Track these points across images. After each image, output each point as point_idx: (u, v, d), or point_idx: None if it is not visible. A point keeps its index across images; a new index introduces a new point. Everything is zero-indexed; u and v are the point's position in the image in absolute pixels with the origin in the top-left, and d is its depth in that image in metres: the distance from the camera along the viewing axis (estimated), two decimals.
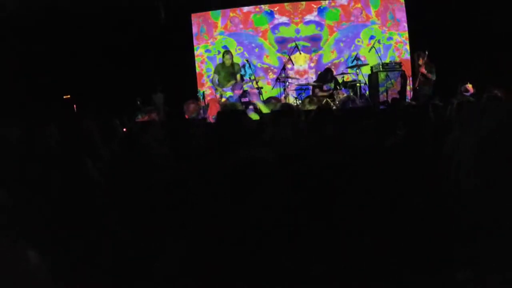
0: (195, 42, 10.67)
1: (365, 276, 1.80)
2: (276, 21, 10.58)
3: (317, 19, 10.54)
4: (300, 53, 9.67)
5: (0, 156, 2.63)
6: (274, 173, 1.71)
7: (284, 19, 10.56)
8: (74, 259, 1.94)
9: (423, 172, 2.28)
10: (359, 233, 1.92)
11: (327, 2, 10.56)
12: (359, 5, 10.55)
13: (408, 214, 2.03)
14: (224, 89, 8.34)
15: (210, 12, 10.66)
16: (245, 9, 10.62)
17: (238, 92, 8.18)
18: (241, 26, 10.63)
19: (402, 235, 1.97)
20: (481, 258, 1.90)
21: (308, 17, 10.55)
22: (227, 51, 8.64)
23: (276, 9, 10.58)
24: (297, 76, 10.07)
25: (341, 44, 10.55)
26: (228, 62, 8.41)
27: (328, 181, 2.08)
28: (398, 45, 10.50)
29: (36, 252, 1.40)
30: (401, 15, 10.48)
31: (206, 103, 8.99)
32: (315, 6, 10.57)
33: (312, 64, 10.46)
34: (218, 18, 10.66)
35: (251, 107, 7.95)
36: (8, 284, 1.32)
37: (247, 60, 9.30)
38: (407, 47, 10.41)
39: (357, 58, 9.74)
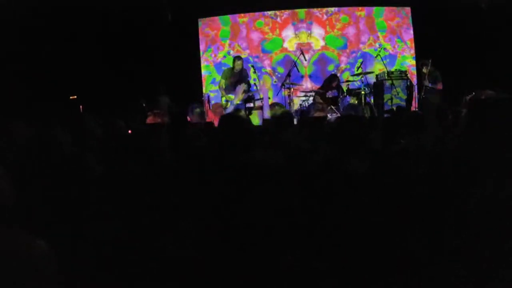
0: (201, 48, 10.71)
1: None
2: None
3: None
4: (306, 59, 9.70)
5: (9, 155, 2.65)
6: (280, 174, 1.73)
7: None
8: (80, 259, 1.95)
9: (428, 179, 2.28)
10: (354, 236, 1.93)
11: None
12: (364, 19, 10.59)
13: (415, 221, 2.03)
14: (230, 94, 8.35)
15: (220, 22, 10.70)
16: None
17: (243, 96, 8.21)
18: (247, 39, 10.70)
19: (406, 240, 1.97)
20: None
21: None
22: (239, 57, 8.64)
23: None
24: (302, 83, 10.08)
25: (347, 51, 10.60)
26: (238, 68, 8.42)
27: (340, 187, 2.10)
28: (404, 60, 10.53)
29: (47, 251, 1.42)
30: (407, 30, 10.50)
31: (210, 107, 9.02)
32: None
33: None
34: (226, 30, 10.72)
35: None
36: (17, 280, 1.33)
37: (252, 66, 9.33)
38: (413, 61, 10.43)
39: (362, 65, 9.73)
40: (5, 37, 8.13)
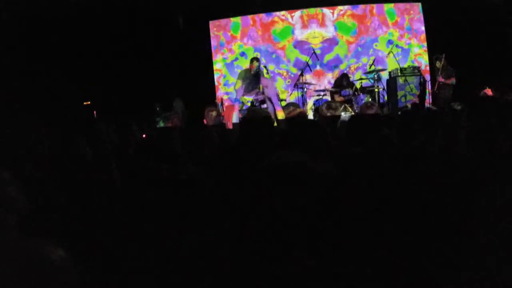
0: (213, 51, 10.74)
1: None
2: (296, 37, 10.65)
3: (333, 34, 10.57)
4: (318, 59, 9.67)
5: (31, 164, 2.68)
6: (310, 176, 1.72)
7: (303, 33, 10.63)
8: (102, 265, 1.97)
9: (445, 177, 2.26)
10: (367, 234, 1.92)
11: (344, 17, 10.54)
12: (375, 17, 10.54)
13: (434, 219, 2.02)
14: (246, 96, 8.30)
15: (231, 24, 10.74)
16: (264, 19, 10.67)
17: (259, 97, 8.17)
18: (259, 39, 10.71)
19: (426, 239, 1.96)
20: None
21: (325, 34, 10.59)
22: (257, 59, 8.53)
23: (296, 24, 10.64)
24: (314, 82, 10.05)
25: (359, 49, 10.53)
26: (255, 70, 8.31)
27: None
28: (417, 56, 10.45)
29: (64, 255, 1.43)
30: (418, 25, 10.43)
31: (224, 109, 9.02)
32: (331, 20, 10.58)
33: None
34: (237, 32, 10.74)
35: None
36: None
37: (264, 67, 9.32)
38: (426, 57, 10.35)
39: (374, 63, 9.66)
40: (18, 43, 8.23)
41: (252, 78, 8.33)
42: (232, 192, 2.19)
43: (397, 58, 9.18)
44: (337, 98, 8.88)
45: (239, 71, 9.00)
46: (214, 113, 8.02)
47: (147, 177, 2.46)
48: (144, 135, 5.01)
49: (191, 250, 1.97)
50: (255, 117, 2.64)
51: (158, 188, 2.37)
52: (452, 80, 8.52)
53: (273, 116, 7.81)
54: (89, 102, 9.50)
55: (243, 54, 10.62)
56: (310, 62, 9.26)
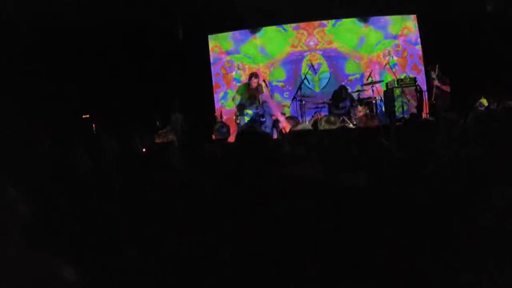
0: (212, 64, 10.80)
1: None
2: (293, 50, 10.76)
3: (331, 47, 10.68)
4: (316, 73, 9.72)
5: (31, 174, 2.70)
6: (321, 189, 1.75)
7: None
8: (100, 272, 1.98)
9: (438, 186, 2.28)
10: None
11: (341, 29, 10.67)
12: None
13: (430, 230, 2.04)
14: (246, 110, 8.31)
15: (229, 38, 10.83)
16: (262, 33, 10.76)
17: (259, 111, 8.21)
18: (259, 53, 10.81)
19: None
20: None
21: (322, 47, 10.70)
22: (256, 75, 8.61)
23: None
24: (313, 95, 10.10)
25: (356, 61, 10.63)
26: (254, 85, 8.41)
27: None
28: (413, 67, 10.54)
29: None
30: (414, 37, 10.54)
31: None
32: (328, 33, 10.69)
33: None
34: (236, 45, 10.84)
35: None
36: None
37: (264, 81, 9.37)
38: (421, 67, 10.43)
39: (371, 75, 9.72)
40: (17, 54, 8.25)
41: (251, 94, 8.38)
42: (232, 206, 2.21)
43: (393, 70, 9.27)
44: (335, 110, 8.91)
45: (238, 84, 9.05)
46: (224, 130, 8.01)
47: (146, 184, 2.48)
48: (144, 149, 5.02)
49: (189, 258, 1.99)
50: (248, 134, 2.66)
51: (157, 194, 2.39)
52: (447, 87, 8.61)
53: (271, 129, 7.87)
54: (88, 116, 9.51)
55: (241, 67, 10.68)
56: (308, 74, 9.32)
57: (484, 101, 8.02)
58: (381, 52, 10.57)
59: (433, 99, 8.69)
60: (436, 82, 8.57)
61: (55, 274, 1.47)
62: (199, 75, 10.37)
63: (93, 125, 9.33)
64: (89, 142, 3.51)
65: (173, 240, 2.15)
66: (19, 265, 1.70)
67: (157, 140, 7.76)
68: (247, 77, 8.71)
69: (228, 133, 7.73)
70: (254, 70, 9.66)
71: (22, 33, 8.29)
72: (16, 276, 1.63)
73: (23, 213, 1.99)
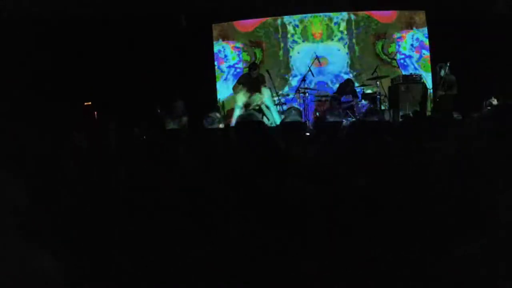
0: (215, 53, 10.74)
1: None
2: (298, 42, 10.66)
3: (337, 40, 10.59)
4: (320, 64, 9.60)
5: (27, 164, 2.67)
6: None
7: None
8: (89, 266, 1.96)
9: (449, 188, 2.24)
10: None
11: (347, 23, 10.56)
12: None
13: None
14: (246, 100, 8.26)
15: (234, 28, 10.73)
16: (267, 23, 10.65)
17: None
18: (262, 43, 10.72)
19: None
20: None
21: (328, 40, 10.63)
22: (254, 65, 8.57)
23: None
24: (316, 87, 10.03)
25: (362, 55, 10.55)
26: (254, 75, 8.39)
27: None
28: (420, 64, 10.44)
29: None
30: (422, 33, 10.45)
31: (226, 113, 9.02)
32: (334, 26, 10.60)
33: None
34: (240, 35, 10.75)
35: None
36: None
37: (267, 71, 9.29)
38: (428, 65, 10.34)
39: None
40: (19, 44, 8.22)
41: (252, 84, 8.32)
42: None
43: (398, 67, 9.22)
44: (337, 104, 8.86)
45: (241, 75, 8.99)
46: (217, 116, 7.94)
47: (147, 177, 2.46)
48: (144, 137, 5.01)
49: (189, 252, 1.96)
50: (248, 122, 2.63)
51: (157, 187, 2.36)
52: (454, 90, 8.50)
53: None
54: (90, 103, 9.48)
55: (245, 57, 10.61)
56: (313, 63, 9.23)
57: (495, 101, 7.93)
58: (388, 47, 10.48)
59: (437, 97, 8.62)
60: (440, 90, 8.49)
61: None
62: (201, 64, 10.31)
63: (95, 113, 9.32)
64: (90, 130, 3.49)
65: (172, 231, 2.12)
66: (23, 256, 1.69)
67: (164, 126, 7.76)
68: (248, 67, 8.66)
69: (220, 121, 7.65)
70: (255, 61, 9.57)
71: (22, 24, 8.26)
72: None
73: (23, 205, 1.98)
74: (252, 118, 4.77)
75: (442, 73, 8.51)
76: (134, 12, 9.10)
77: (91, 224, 2.11)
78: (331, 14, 10.53)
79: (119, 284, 1.92)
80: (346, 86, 9.17)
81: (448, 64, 8.42)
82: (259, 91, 8.27)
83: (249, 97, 8.25)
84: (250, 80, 8.37)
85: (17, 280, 1.39)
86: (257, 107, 8.19)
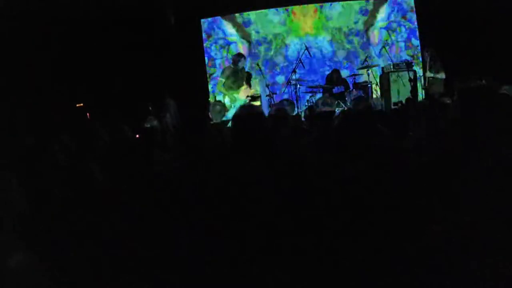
0: (205, 49, 10.67)
1: None
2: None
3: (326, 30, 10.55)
4: (310, 56, 9.56)
5: (17, 164, 2.66)
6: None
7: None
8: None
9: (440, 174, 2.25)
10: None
11: (336, 12, 10.52)
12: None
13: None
14: (234, 93, 8.15)
15: (222, 22, 10.67)
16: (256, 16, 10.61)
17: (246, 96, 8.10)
18: (252, 37, 10.66)
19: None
20: None
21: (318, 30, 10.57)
22: (240, 54, 8.28)
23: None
24: (307, 79, 10.01)
25: (352, 45, 10.52)
26: (240, 66, 8.08)
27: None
28: (409, 51, 10.44)
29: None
30: (411, 20, 10.44)
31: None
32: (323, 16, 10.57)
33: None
34: (229, 29, 10.67)
35: None
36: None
37: (257, 64, 9.25)
38: (418, 51, 10.34)
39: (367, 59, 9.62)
40: (11, 43, 8.16)
41: (237, 75, 8.06)
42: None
43: (389, 54, 9.22)
44: (330, 94, 8.87)
45: (224, 67, 8.82)
46: (218, 108, 7.76)
47: (137, 176, 2.44)
48: (137, 136, 4.97)
49: (182, 250, 1.96)
50: (247, 113, 2.60)
51: (148, 186, 2.35)
52: (442, 74, 8.53)
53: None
54: (82, 104, 9.43)
55: (234, 51, 10.56)
56: (303, 55, 9.20)
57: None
58: (377, 35, 10.46)
59: (426, 84, 8.65)
60: (428, 74, 8.53)
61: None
62: (192, 60, 10.25)
63: (88, 114, 9.27)
64: (81, 130, 3.47)
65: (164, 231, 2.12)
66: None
67: (151, 125, 7.69)
68: (232, 58, 8.32)
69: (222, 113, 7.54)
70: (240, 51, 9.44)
71: (15, 24, 8.20)
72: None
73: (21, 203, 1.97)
74: (252, 110, 4.73)
75: (429, 58, 8.55)
76: (122, 9, 9.04)
77: (80, 223, 2.11)
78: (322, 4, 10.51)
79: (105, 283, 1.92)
80: (332, 76, 9.20)
81: (434, 49, 8.47)
82: (247, 83, 8.13)
83: (235, 90, 8.07)
84: (234, 72, 8.07)
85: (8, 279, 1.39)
86: (249, 98, 8.10)
